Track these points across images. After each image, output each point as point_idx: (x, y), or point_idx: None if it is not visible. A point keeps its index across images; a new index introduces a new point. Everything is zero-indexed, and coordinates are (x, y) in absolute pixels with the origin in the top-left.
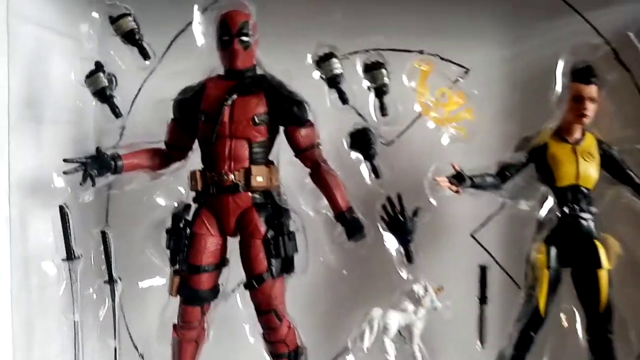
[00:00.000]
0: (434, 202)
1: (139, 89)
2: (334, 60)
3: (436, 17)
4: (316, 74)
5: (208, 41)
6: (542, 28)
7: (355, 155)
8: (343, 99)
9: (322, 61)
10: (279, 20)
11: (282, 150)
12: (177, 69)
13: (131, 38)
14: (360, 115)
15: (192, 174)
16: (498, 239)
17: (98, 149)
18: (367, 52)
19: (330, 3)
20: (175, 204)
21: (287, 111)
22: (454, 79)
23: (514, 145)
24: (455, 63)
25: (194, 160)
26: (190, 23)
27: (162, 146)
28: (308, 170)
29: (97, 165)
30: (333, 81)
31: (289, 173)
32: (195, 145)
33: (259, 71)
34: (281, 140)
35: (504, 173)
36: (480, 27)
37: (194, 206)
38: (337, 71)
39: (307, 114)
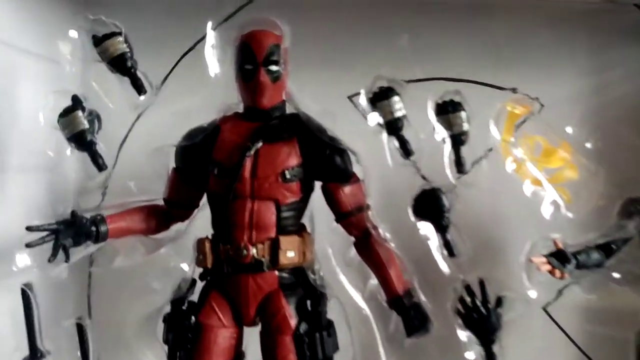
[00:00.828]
0: (532, 293)
1: (129, 132)
2: (395, 99)
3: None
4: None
5: (224, 69)
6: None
7: (423, 226)
8: (406, 149)
9: (380, 99)
10: (319, 44)
11: (317, 208)
12: (181, 105)
13: (121, 65)
14: (418, 171)
15: (200, 245)
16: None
17: (73, 213)
18: (427, 80)
19: (386, 25)
20: (177, 285)
21: (328, 163)
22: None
23: (618, 208)
24: (531, 97)
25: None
26: (199, 42)
27: (159, 202)
28: (352, 239)
29: (72, 232)
30: (393, 126)
31: (326, 241)
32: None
33: (289, 109)
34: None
35: (609, 246)
36: (556, 55)
37: (200, 284)
38: (399, 113)
39: (352, 167)
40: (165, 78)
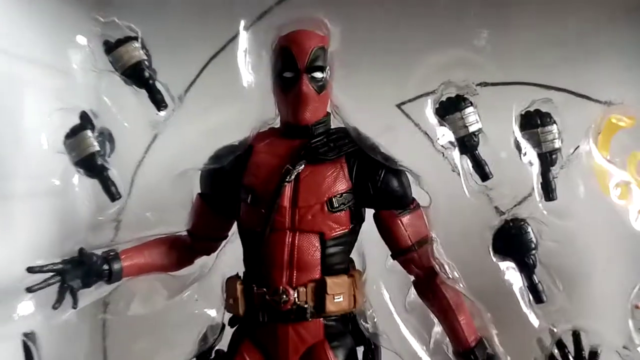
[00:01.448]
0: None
1: (145, 153)
2: (469, 110)
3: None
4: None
5: (259, 78)
6: None
7: (504, 265)
8: (483, 171)
9: (450, 111)
10: (374, 44)
11: (368, 239)
12: (208, 122)
13: (137, 75)
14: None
15: (230, 287)
16: None
17: (81, 250)
18: (506, 84)
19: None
20: (202, 335)
21: (382, 187)
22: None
23: None
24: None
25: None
26: (228, 44)
27: (182, 234)
28: (412, 278)
29: (80, 272)
30: (467, 144)
31: (380, 280)
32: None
33: (333, 123)
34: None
35: None
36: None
37: (230, 331)
38: (474, 127)
39: (411, 191)
40: (188, 88)
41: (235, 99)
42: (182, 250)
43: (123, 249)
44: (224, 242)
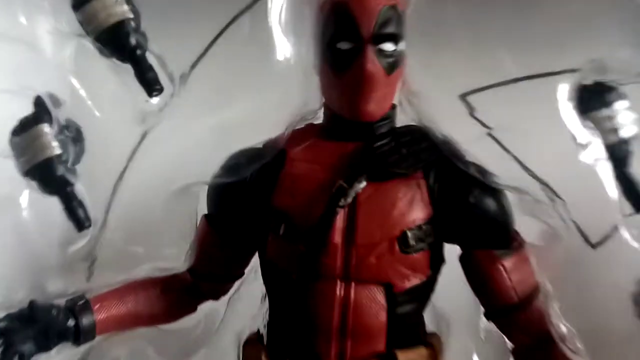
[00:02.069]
0: None
1: (130, 158)
2: (622, 105)
3: None
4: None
5: (299, 52)
6: None
7: None
8: (638, 197)
9: (593, 106)
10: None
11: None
12: (222, 115)
13: (119, 42)
14: None
15: (249, 357)
16: None
17: (32, 304)
18: None
19: None
20: None
21: (479, 216)
22: None
23: None
24: None
25: None
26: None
27: (182, 274)
28: (511, 345)
29: (33, 332)
30: (617, 153)
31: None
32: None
33: (400, 118)
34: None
35: None
36: None
37: None
38: (627, 132)
39: (514, 222)
40: (195, 64)
41: (262, 81)
42: (180, 294)
43: (96, 295)
44: (238, 282)
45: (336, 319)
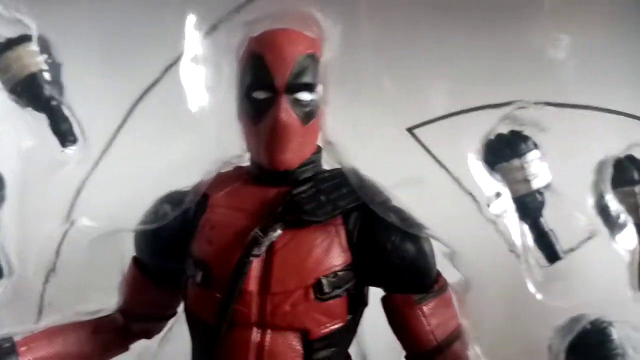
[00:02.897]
0: None
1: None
2: (532, 154)
3: None
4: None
5: (217, 99)
6: None
7: None
8: (550, 248)
9: (504, 157)
10: (379, 48)
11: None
12: (144, 161)
13: (33, 93)
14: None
15: None
16: None
17: None
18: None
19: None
20: None
21: (397, 262)
22: None
23: None
24: None
25: None
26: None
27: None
28: None
29: None
30: (528, 206)
31: None
32: None
33: (326, 162)
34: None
35: None
36: None
37: None
38: (539, 182)
39: (435, 265)
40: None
41: (184, 129)
42: (111, 334)
43: (24, 337)
44: (171, 322)
45: None
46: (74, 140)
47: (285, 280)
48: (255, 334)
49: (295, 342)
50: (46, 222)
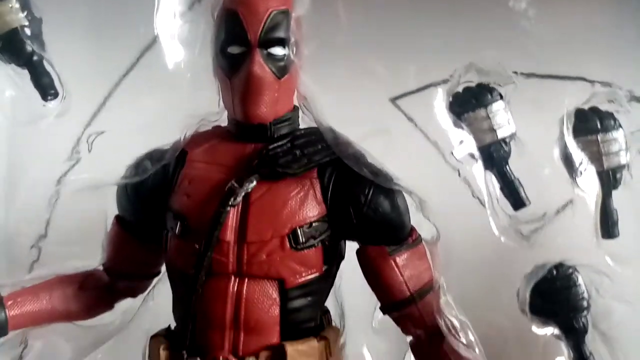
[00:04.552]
0: None
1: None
2: (497, 106)
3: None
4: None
5: (193, 57)
6: None
7: (545, 331)
8: (516, 195)
9: (470, 107)
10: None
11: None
12: (126, 118)
13: (15, 49)
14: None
15: (152, 350)
16: None
17: None
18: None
19: None
20: None
21: (370, 214)
22: None
23: None
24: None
25: None
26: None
27: (99, 272)
28: (409, 339)
29: None
30: (493, 154)
31: (364, 342)
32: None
33: (303, 121)
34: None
35: None
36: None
37: None
38: (505, 132)
39: (409, 219)
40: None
41: (162, 87)
42: (97, 292)
43: (10, 292)
44: (155, 280)
45: (229, 313)
46: (55, 94)
47: (261, 229)
48: (233, 283)
49: (272, 291)
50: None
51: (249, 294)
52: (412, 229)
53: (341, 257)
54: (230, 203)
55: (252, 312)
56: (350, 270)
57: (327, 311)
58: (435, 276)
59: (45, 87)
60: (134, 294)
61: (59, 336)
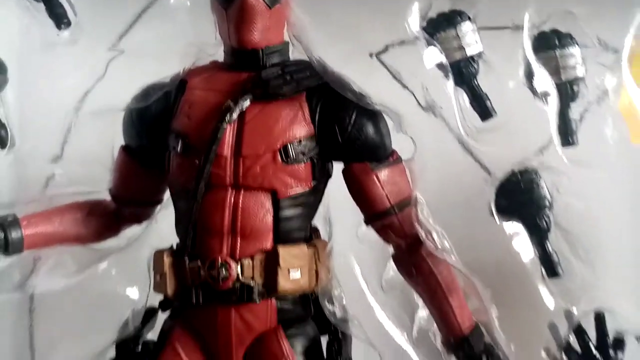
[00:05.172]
0: None
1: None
2: (466, 27)
3: None
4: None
5: None
6: None
7: (510, 229)
8: (483, 106)
9: (441, 27)
10: None
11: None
12: (135, 46)
13: None
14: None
15: (156, 259)
16: None
17: None
18: None
19: None
20: (124, 322)
21: (354, 134)
22: None
23: None
24: None
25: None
26: None
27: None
28: (391, 250)
29: None
30: (463, 70)
31: (351, 252)
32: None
33: (294, 54)
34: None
35: None
36: None
37: (161, 317)
38: (473, 49)
39: (391, 140)
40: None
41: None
42: (104, 218)
43: (24, 215)
44: (158, 208)
45: (227, 221)
46: (68, 23)
47: (255, 144)
48: (230, 194)
49: (265, 201)
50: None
51: (244, 204)
52: (393, 151)
53: (328, 175)
54: (226, 119)
55: (248, 220)
56: (336, 190)
57: (316, 229)
58: (413, 193)
59: (60, 16)
60: (138, 221)
61: (65, 254)
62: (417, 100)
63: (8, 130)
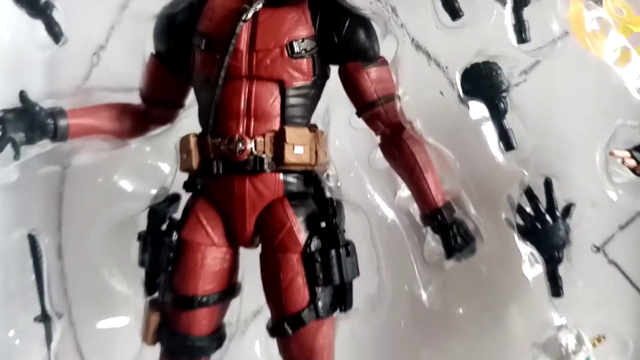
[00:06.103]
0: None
1: None
2: None
3: None
4: None
5: None
6: None
7: (474, 111)
8: (452, 6)
9: None
10: None
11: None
12: None
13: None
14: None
15: (184, 142)
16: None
17: (23, 95)
18: None
19: None
20: (154, 192)
21: (347, 36)
22: None
23: None
24: None
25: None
26: None
27: (137, 100)
28: (378, 138)
29: (23, 125)
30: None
31: (346, 142)
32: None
33: None
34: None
35: None
36: None
37: (185, 197)
38: None
39: (379, 46)
40: None
41: None
42: (135, 117)
43: (69, 109)
44: (181, 111)
45: (243, 106)
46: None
47: (266, 40)
48: (245, 83)
49: (274, 89)
50: None
51: (257, 92)
52: (382, 57)
53: (326, 76)
54: (243, 19)
55: (260, 105)
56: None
57: (315, 126)
58: (398, 92)
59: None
60: (164, 122)
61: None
62: None
63: (60, 27)
